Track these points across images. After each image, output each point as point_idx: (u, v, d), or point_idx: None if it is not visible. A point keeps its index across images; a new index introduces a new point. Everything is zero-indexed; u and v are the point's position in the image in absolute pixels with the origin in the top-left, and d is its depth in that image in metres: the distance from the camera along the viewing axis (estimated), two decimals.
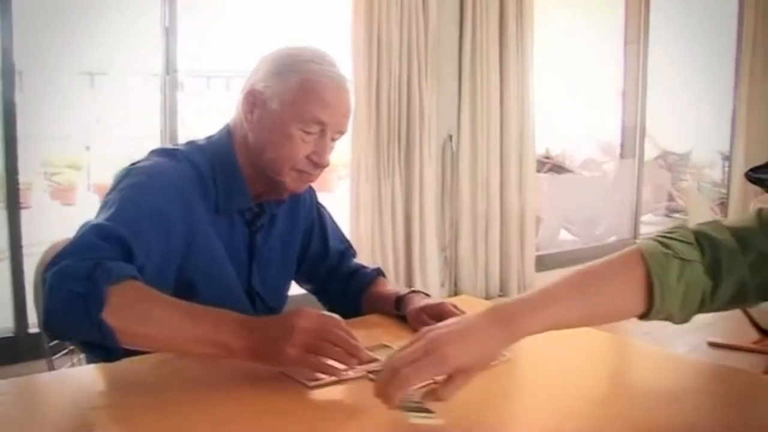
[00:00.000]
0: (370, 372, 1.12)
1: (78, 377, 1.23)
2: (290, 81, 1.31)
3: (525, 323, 0.97)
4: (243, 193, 1.37)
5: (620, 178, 5.67)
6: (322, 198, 1.64)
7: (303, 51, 1.36)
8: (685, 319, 1.03)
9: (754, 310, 2.95)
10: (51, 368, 1.45)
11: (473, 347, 0.94)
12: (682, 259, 0.99)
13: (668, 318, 1.02)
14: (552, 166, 6.09)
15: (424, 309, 1.36)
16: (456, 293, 3.91)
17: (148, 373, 1.16)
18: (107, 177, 1.34)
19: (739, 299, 1.02)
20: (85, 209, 1.40)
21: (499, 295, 4.03)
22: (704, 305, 1.02)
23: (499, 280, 4.10)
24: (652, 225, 6.41)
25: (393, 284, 1.61)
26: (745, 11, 5.44)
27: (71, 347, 1.47)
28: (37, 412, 1.07)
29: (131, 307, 1.07)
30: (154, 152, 1.37)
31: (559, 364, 1.26)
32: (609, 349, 1.47)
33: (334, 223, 1.64)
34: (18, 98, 2.66)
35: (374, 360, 1.12)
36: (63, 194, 7.25)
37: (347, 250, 1.64)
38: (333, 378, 1.11)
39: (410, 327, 1.37)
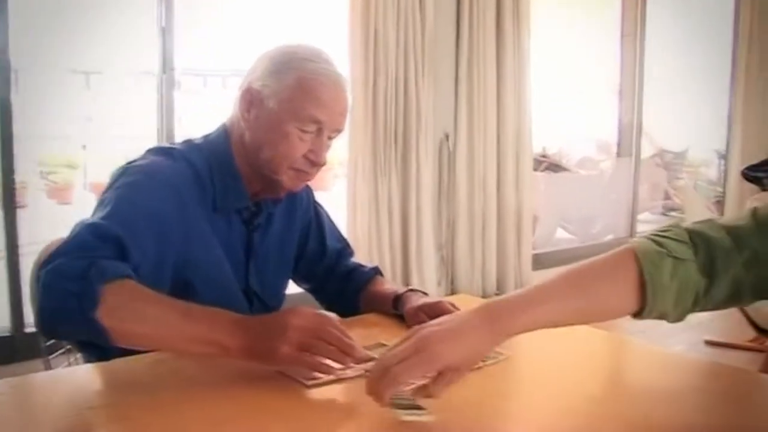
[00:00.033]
0: (367, 371, 1.11)
1: (75, 377, 1.23)
2: (287, 79, 1.31)
3: (515, 321, 0.97)
4: (240, 192, 1.37)
5: (617, 177, 5.67)
6: (319, 197, 1.64)
7: (300, 49, 1.35)
8: (679, 318, 1.03)
9: (750, 309, 2.96)
10: (47, 368, 1.45)
11: (463, 345, 0.95)
12: (675, 257, 0.99)
13: (662, 317, 1.02)
14: (549, 164, 6.10)
15: (422, 308, 1.36)
16: (453, 292, 3.91)
17: (144, 373, 1.15)
18: (104, 176, 1.34)
19: (734, 298, 1.02)
20: (81, 208, 1.40)
21: (496, 294, 4.03)
22: (698, 304, 1.02)
23: (495, 278, 4.10)
24: (648, 223, 6.42)
25: (391, 283, 1.61)
26: (742, 9, 5.44)
27: (68, 347, 1.47)
28: (33, 412, 1.07)
29: (125, 306, 1.07)
30: (150, 151, 1.37)
31: (556, 363, 1.26)
32: (606, 348, 1.47)
33: (331, 222, 1.64)
34: (14, 97, 2.66)
35: (372, 359, 1.11)
36: (59, 193, 7.22)
37: (345, 249, 1.63)
38: (331, 377, 1.11)
39: (408, 326, 1.37)
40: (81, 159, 7.53)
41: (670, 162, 8.00)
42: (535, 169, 4.90)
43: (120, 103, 6.49)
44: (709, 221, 1.05)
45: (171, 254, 1.27)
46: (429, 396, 0.96)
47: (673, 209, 7.47)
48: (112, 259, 1.12)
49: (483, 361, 1.18)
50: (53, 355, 1.46)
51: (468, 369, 0.98)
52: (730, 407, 1.12)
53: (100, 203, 1.24)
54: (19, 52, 2.74)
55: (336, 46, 3.25)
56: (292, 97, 1.31)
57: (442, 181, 3.87)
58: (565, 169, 6.27)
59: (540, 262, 4.37)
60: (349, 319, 1.50)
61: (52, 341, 1.43)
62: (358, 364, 1.11)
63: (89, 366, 1.24)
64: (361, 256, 3.11)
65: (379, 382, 0.94)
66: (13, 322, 2.73)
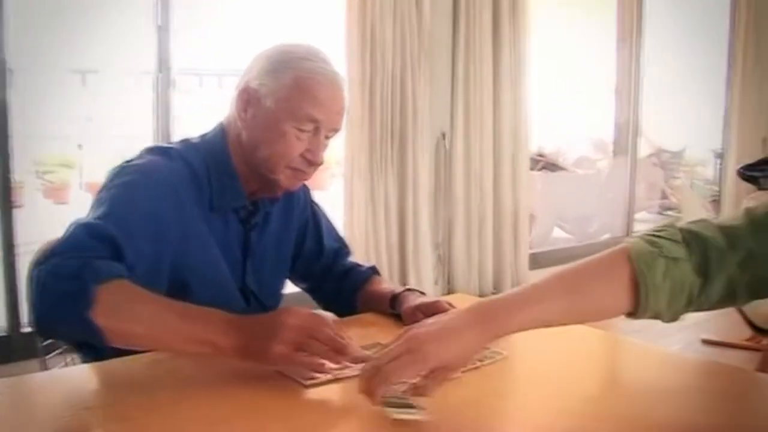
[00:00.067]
0: None
1: (71, 377, 1.22)
2: (284, 78, 1.31)
3: (506, 321, 0.98)
4: (237, 191, 1.37)
5: (614, 176, 5.68)
6: (316, 196, 1.63)
7: (297, 48, 1.35)
8: (673, 318, 1.03)
9: (747, 308, 2.96)
10: (44, 368, 1.44)
11: (453, 345, 0.95)
12: (669, 257, 0.99)
13: (656, 316, 1.02)
14: (545, 163, 6.10)
15: (419, 307, 1.36)
16: (450, 291, 3.91)
17: (142, 373, 1.15)
18: (100, 176, 1.34)
19: (729, 298, 1.02)
20: (77, 208, 1.39)
21: (493, 293, 4.03)
22: (692, 304, 1.02)
23: (492, 277, 4.10)
24: (645, 222, 6.43)
25: (388, 282, 1.61)
26: (738, 9, 5.46)
27: (65, 347, 1.47)
28: (30, 413, 1.07)
29: (119, 306, 1.07)
30: (147, 150, 1.36)
31: (553, 362, 1.26)
32: (603, 347, 1.47)
33: (328, 221, 1.64)
34: (10, 97, 2.65)
35: (369, 359, 1.12)
36: (56, 193, 7.22)
37: (342, 249, 1.63)
38: (329, 377, 1.11)
39: (405, 325, 1.37)
40: (77, 159, 7.52)
41: (667, 161, 8.01)
42: (532, 169, 4.90)
43: (116, 102, 6.48)
44: (703, 221, 1.05)
45: (167, 254, 1.27)
46: (421, 394, 0.97)
47: (669, 208, 7.49)
48: (106, 259, 1.11)
49: (480, 360, 1.18)
50: (50, 355, 1.45)
51: (459, 368, 1.00)
52: (727, 406, 1.13)
53: (96, 203, 1.23)
54: (16, 52, 2.73)
55: (333, 45, 3.25)
56: (289, 96, 1.30)
57: (438, 180, 3.88)
58: (562, 169, 6.27)
59: (537, 261, 4.37)
60: (346, 319, 1.51)
61: (49, 341, 1.42)
62: (354, 363, 1.11)
63: (86, 366, 1.24)
64: (358, 255, 3.12)
65: (370, 381, 0.95)
66: (9, 322, 2.73)
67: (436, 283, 3.87)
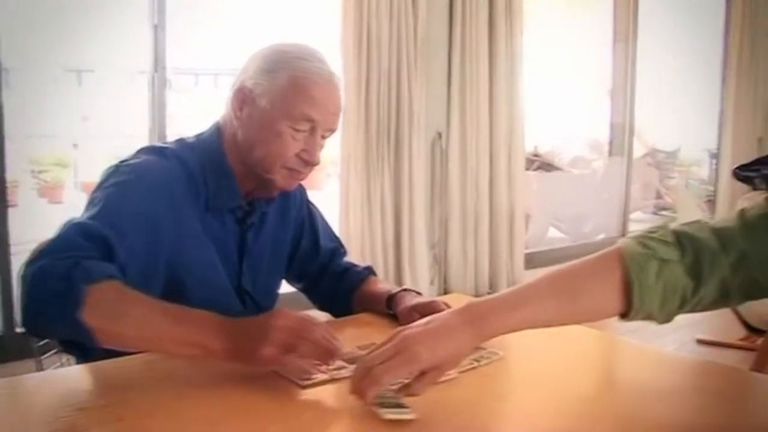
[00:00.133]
0: None
1: (67, 377, 1.22)
2: (280, 78, 1.31)
3: (497, 322, 0.98)
4: (233, 191, 1.37)
5: (609, 176, 5.69)
6: (312, 196, 1.63)
7: (293, 48, 1.35)
8: (666, 319, 1.03)
9: (741, 308, 2.97)
10: (39, 368, 1.44)
11: (444, 346, 0.96)
12: (661, 259, 1.00)
13: (649, 318, 1.03)
14: (541, 163, 6.11)
15: (416, 308, 1.36)
16: (446, 291, 3.92)
17: (137, 373, 1.15)
18: (95, 175, 1.33)
19: (722, 299, 1.03)
20: (72, 207, 1.39)
21: (489, 293, 4.03)
22: (685, 305, 1.02)
23: (488, 277, 4.10)
24: (640, 222, 6.45)
25: (384, 283, 1.61)
26: (732, 10, 5.47)
27: (60, 347, 1.46)
28: (25, 413, 1.06)
29: (109, 306, 1.06)
30: (142, 150, 1.36)
31: (549, 362, 1.27)
32: (598, 347, 1.47)
33: (324, 221, 1.64)
34: (4, 96, 2.64)
35: None
36: (50, 192, 7.19)
37: (338, 249, 1.63)
38: (325, 377, 1.11)
39: (401, 326, 1.37)
40: (72, 158, 7.50)
41: (662, 161, 8.04)
42: (528, 168, 4.91)
43: (112, 101, 6.46)
44: (697, 222, 1.05)
45: (162, 254, 1.27)
46: (412, 394, 0.97)
47: (664, 208, 7.50)
48: (97, 259, 1.11)
49: (477, 361, 1.19)
50: (45, 356, 1.45)
51: (449, 368, 1.00)
52: (722, 406, 1.13)
53: (90, 202, 1.23)
54: (11, 51, 2.72)
55: (328, 44, 3.25)
56: (284, 95, 1.30)
57: (434, 179, 3.88)
58: (557, 168, 6.28)
59: (532, 261, 4.38)
60: (342, 319, 1.50)
61: (44, 341, 1.42)
62: (351, 364, 1.11)
63: (81, 366, 1.23)
64: (354, 255, 3.12)
65: (362, 382, 0.95)
66: (4, 322, 2.72)
67: (431, 282, 3.87)
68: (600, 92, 5.68)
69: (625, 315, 1.02)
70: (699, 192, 7.21)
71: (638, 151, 6.56)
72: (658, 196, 7.74)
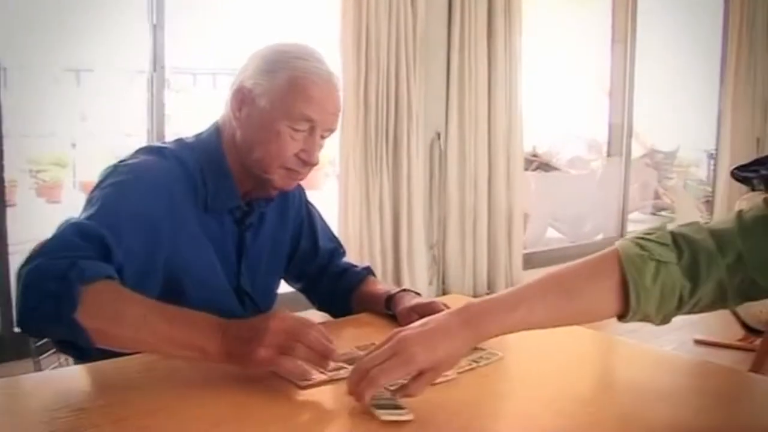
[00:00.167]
0: None
1: (65, 378, 1.22)
2: (279, 78, 1.30)
3: (494, 323, 0.98)
4: (232, 191, 1.37)
5: (607, 176, 5.69)
6: (310, 196, 1.63)
7: (292, 48, 1.35)
8: (664, 321, 1.03)
9: (740, 308, 2.98)
10: (37, 368, 1.44)
11: (440, 347, 0.96)
12: (658, 260, 1.00)
13: (646, 319, 1.03)
14: (539, 164, 6.12)
15: (415, 308, 1.36)
16: (444, 291, 3.92)
17: (137, 374, 1.15)
18: (93, 175, 1.33)
19: (719, 300, 1.03)
20: (71, 207, 1.39)
21: (487, 293, 4.04)
22: (683, 306, 1.02)
23: (486, 277, 4.11)
24: (639, 223, 6.45)
25: (383, 283, 1.61)
26: (731, 11, 5.48)
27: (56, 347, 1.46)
28: (24, 414, 1.06)
29: (105, 307, 1.06)
30: (141, 150, 1.36)
31: (548, 363, 1.27)
32: (597, 347, 1.48)
33: (323, 221, 1.64)
34: (3, 95, 2.64)
35: None
36: (49, 192, 7.18)
37: (337, 249, 1.63)
38: (324, 377, 1.11)
39: (400, 326, 1.37)
40: (70, 157, 7.49)
41: (660, 162, 8.04)
42: (526, 169, 4.91)
43: (110, 101, 6.45)
44: (694, 224, 1.05)
45: (160, 254, 1.26)
46: (408, 395, 0.98)
47: (663, 209, 7.51)
48: (95, 259, 1.11)
49: (476, 361, 1.19)
50: (43, 356, 1.45)
51: (446, 369, 1.00)
52: (720, 406, 1.13)
53: (88, 202, 1.23)
54: (9, 50, 2.73)
55: (328, 44, 3.25)
56: (283, 95, 1.30)
57: (433, 179, 3.88)
58: (555, 169, 6.29)
59: (531, 261, 4.38)
60: (341, 320, 1.50)
61: (42, 341, 1.42)
62: (350, 365, 1.10)
63: (80, 367, 1.23)
64: (353, 255, 3.12)
65: (359, 384, 0.96)
66: (2, 322, 2.72)
67: (430, 283, 3.87)
68: (598, 92, 5.68)
69: (622, 316, 1.02)
70: (697, 192, 7.22)
71: (637, 151, 6.57)
72: (657, 196, 7.75)
